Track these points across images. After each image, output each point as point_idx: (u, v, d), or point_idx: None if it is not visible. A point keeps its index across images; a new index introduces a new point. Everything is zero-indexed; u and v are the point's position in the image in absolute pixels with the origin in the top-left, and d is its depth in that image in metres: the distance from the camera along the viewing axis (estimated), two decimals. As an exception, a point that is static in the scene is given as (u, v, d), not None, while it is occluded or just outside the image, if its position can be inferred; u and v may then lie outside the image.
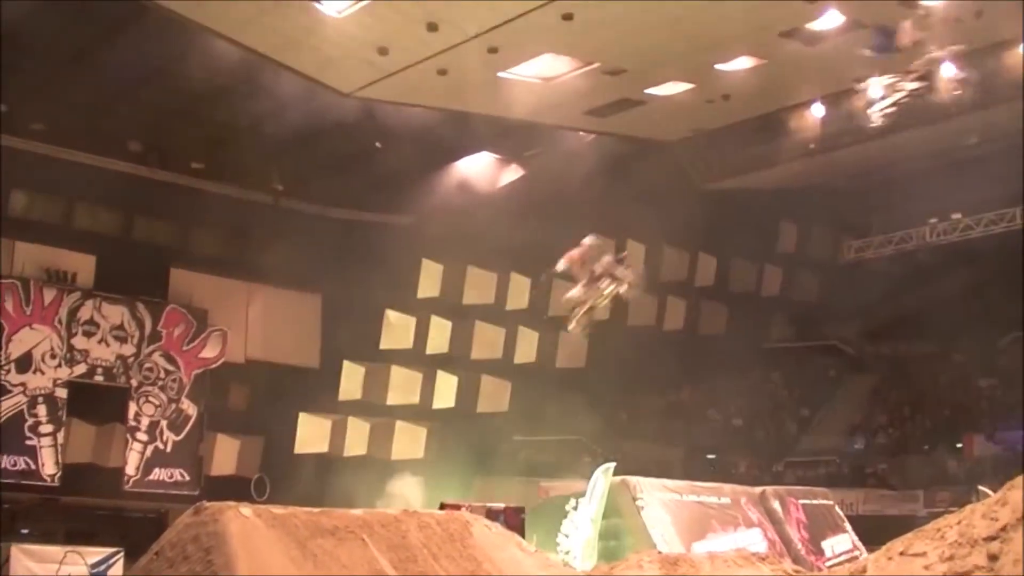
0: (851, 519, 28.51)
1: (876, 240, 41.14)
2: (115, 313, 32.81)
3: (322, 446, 35.21)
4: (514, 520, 22.37)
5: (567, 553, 22.60)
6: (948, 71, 24.79)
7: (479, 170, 36.10)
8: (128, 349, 32.98)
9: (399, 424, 36.13)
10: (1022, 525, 15.88)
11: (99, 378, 32.59)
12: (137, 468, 32.78)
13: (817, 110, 34.02)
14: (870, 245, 41.26)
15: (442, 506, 21.75)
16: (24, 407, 31.14)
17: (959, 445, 36.28)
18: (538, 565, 15.67)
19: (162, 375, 33.42)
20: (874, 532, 22.78)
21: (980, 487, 23.70)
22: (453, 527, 14.86)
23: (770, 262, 42.39)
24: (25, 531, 28.91)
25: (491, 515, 17.61)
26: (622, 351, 34.68)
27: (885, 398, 40.18)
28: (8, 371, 31.03)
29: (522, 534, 19.18)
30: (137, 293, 33.21)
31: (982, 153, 32.76)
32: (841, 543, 26.92)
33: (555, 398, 32.99)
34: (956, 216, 38.79)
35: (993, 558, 15.29)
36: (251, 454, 34.75)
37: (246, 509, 13.30)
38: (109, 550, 26.36)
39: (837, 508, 28.33)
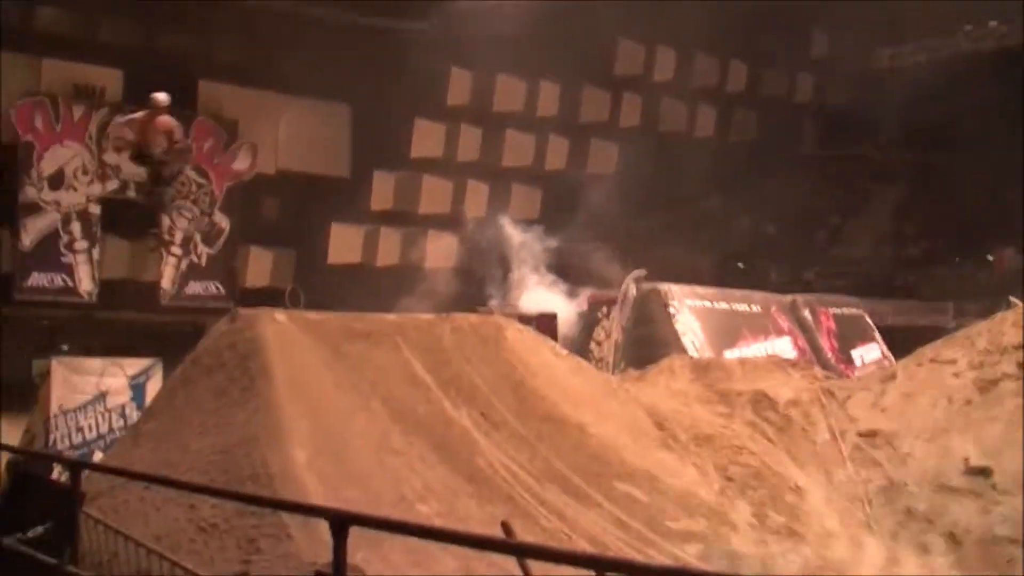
0: (880, 329, 28.64)
1: (909, 47, 40.61)
2: (145, 127, 32.73)
3: (355, 256, 35.34)
4: (546, 326, 22.55)
5: (599, 360, 22.81)
6: None
7: (507, -27, 35.66)
8: (158, 163, 32.96)
9: (431, 233, 36.25)
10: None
11: (131, 193, 32.65)
12: (173, 282, 33.01)
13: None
14: (903, 52, 40.76)
15: (474, 311, 21.92)
16: (58, 224, 31.25)
17: (990, 257, 36.30)
18: (570, 369, 15.83)
19: (194, 188, 33.44)
20: (903, 342, 22.86)
21: (1011, 297, 23.72)
22: (486, 331, 14.98)
23: (802, 69, 42.02)
24: (65, 347, 29.21)
25: (524, 321, 17.73)
26: (652, 157, 34.56)
27: (915, 209, 40.08)
28: (41, 189, 31.07)
29: (555, 339, 19.34)
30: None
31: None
32: (871, 352, 27.13)
33: (585, 206, 32.98)
34: (992, 24, 38.24)
35: (1022, 366, 15.39)
36: (284, 266, 34.87)
37: (280, 315, 13.43)
38: (148, 361, 26.67)
39: (867, 317, 28.45)
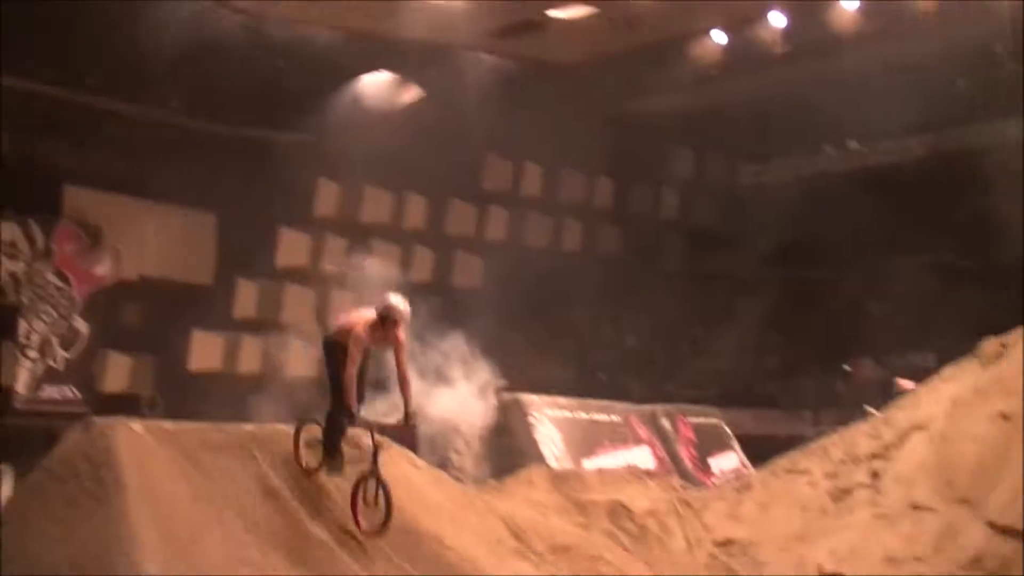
0: (740, 438, 29.02)
1: (774, 166, 41.54)
2: (7, 231, 32.22)
3: (216, 364, 35.00)
4: (406, 436, 22.47)
5: (459, 470, 22.79)
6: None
7: (378, 90, 35.92)
8: (19, 266, 32.52)
9: (294, 342, 36.03)
10: (904, 443, 16.30)
11: (-13, 294, 32.18)
12: (28, 386, 32.44)
13: (719, 37, 34.37)
14: (768, 171, 41.67)
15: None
16: (-86, 327, 30.74)
17: (847, 368, 36.98)
18: (429, 480, 15.85)
19: (54, 292, 33.02)
20: (763, 451, 23.17)
21: (866, 407, 24.17)
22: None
23: (668, 186, 42.68)
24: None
25: (383, 430, 17.63)
26: (518, 271, 34.82)
27: (777, 322, 40.69)
28: (-103, 291, 30.59)
29: (415, 450, 19.29)
30: (30, 211, 32.71)
31: (883, 83, 33.11)
32: (729, 461, 27.47)
33: (451, 317, 33.06)
34: (853, 144, 39.33)
35: (875, 475, 15.71)
36: (144, 372, 34.37)
37: (136, 425, 13.32)
38: (-2, 466, 26.15)
39: (725, 427, 28.82)
